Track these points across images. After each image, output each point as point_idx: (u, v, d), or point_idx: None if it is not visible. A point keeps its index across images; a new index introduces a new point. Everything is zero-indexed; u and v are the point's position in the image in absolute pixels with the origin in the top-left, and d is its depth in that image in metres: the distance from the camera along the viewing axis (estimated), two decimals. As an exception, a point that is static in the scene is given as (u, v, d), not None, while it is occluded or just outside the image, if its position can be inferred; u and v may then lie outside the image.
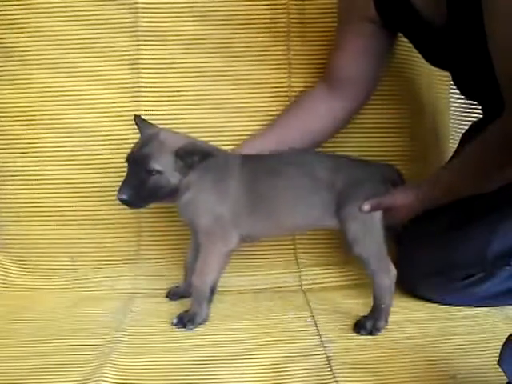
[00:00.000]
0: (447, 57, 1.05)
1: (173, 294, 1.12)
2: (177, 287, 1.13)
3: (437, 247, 1.05)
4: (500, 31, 0.85)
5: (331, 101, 1.13)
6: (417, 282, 1.08)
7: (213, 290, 1.02)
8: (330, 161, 1.02)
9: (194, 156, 0.96)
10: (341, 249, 1.17)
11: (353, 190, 0.98)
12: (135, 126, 1.04)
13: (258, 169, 1.02)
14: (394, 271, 0.98)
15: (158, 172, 0.95)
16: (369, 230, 0.97)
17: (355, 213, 0.97)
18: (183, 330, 0.98)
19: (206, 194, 0.99)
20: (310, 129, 1.13)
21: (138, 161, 0.95)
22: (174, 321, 0.99)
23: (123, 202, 0.95)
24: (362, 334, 0.95)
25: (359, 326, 0.96)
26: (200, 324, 0.99)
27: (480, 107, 1.21)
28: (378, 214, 0.98)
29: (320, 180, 0.99)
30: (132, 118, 1.05)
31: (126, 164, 0.97)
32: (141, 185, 0.94)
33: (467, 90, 1.16)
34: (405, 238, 1.11)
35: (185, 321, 0.99)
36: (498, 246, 1.02)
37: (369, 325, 0.95)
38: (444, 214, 1.04)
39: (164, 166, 0.95)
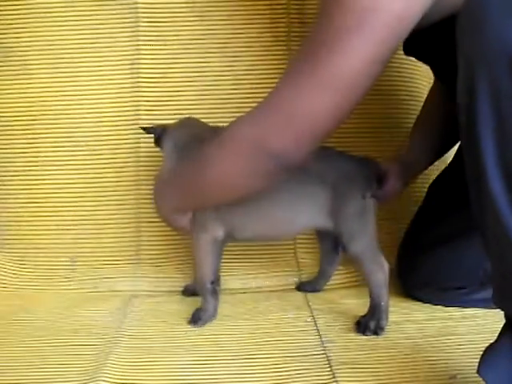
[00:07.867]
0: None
1: (185, 291, 1.13)
2: (192, 284, 1.13)
3: (436, 259, 1.04)
4: None
5: None
6: (414, 288, 1.08)
7: (214, 282, 1.00)
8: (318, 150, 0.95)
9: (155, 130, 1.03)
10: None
11: (347, 187, 0.95)
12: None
13: None
14: (386, 265, 0.96)
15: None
16: (364, 227, 0.96)
17: (352, 212, 0.95)
18: (190, 327, 0.98)
19: None
20: None
21: None
22: (189, 319, 1.00)
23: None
24: (367, 335, 0.94)
25: (363, 328, 0.95)
26: (209, 320, 0.99)
27: None
28: (372, 207, 0.96)
29: (311, 172, 0.93)
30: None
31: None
32: None
33: None
34: (405, 245, 1.11)
35: (195, 317, 0.99)
36: None
37: (372, 325, 0.95)
38: (445, 224, 1.03)
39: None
